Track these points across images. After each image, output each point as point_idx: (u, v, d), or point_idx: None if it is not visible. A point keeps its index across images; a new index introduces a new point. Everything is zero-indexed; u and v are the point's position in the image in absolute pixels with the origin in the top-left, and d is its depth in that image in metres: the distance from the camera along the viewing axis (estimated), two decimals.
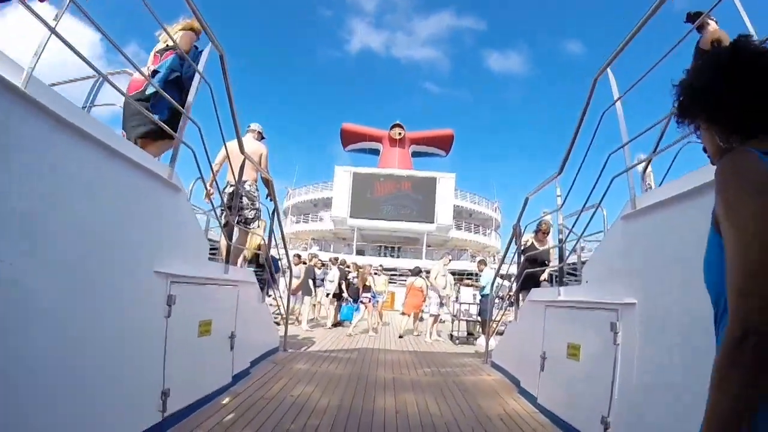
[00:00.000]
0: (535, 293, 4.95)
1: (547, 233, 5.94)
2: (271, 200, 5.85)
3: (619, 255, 3.22)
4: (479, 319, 9.08)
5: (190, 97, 3.50)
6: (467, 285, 9.50)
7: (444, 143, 42.81)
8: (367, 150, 42.77)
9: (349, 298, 11.45)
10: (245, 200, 5.37)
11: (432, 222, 32.12)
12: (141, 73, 3.07)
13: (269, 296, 7.61)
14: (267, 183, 5.78)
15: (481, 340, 8.72)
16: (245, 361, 4.88)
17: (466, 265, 28.86)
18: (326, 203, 34.99)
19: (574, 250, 4.95)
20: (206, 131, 3.68)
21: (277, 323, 6.93)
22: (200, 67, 3.58)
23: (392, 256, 33.52)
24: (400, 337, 9.40)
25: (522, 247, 5.87)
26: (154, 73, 3.86)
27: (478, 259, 9.72)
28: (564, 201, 4.47)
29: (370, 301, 10.10)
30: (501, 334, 6.89)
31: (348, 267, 12.10)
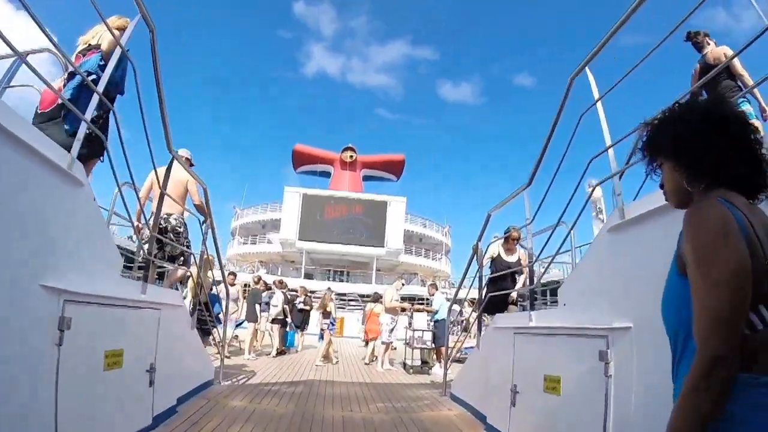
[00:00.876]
0: (501, 319, 4.51)
1: (518, 240, 5.45)
2: (207, 227, 5.40)
3: (606, 272, 2.84)
4: (433, 346, 8.59)
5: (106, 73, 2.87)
6: (420, 310, 9.00)
7: (395, 168, 42.84)
8: (318, 172, 42.16)
9: (293, 324, 10.72)
10: (170, 235, 4.93)
11: (382, 246, 31.71)
12: (48, 85, 2.49)
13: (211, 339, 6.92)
14: (200, 210, 5.32)
15: (437, 369, 8.22)
16: (170, 397, 4.12)
17: (416, 289, 28.57)
18: (275, 225, 33.87)
19: (546, 271, 4.52)
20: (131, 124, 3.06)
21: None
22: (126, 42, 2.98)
23: (341, 281, 32.81)
24: (367, 364, 9.00)
25: (488, 262, 5.43)
26: (72, 76, 3.24)
27: (428, 283, 9.29)
28: (534, 215, 4.06)
29: (328, 329, 9.55)
30: (458, 362, 6.42)
31: (293, 290, 11.37)
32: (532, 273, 4.23)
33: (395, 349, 9.67)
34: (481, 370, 4.75)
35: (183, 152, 5.33)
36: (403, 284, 9.05)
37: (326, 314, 9.70)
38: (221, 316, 6.37)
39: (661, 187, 1.22)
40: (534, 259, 4.11)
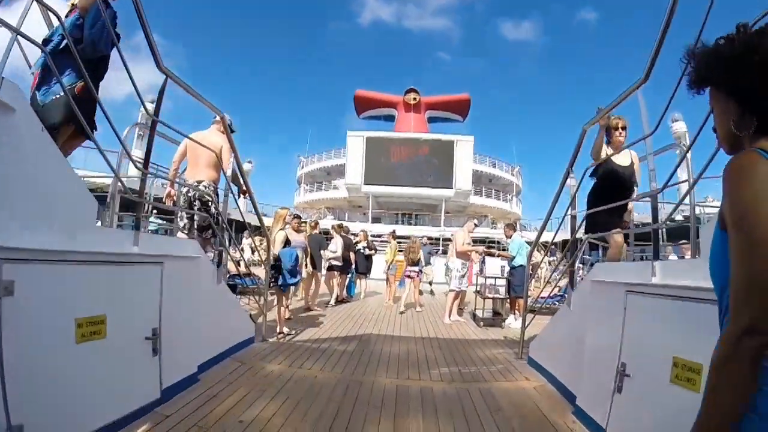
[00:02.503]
0: (604, 269, 3.35)
1: (625, 129, 3.88)
2: (244, 196, 5.26)
3: None
4: (508, 296, 7.56)
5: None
6: (492, 254, 7.88)
7: (460, 108, 40.58)
8: (382, 117, 40.97)
9: (356, 271, 10.09)
10: (198, 203, 4.61)
11: (451, 187, 30.39)
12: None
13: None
14: (235, 179, 4.93)
15: (511, 321, 7.24)
16: (188, 365, 3.51)
17: (487, 231, 27.35)
18: (340, 171, 33.53)
19: (683, 203, 3.01)
20: None
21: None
22: None
23: (410, 224, 32.05)
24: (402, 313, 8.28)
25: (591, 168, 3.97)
26: (46, 42, 2.82)
27: (504, 223, 8.08)
28: (658, 124, 2.77)
29: (417, 276, 9.33)
30: (532, 311, 5.37)
31: (355, 235, 10.66)
32: (655, 208, 2.99)
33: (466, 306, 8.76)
34: (570, 334, 3.70)
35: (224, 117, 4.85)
36: (475, 225, 7.93)
37: (414, 262, 9.27)
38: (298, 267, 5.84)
39: (714, 131, 1.10)
40: (660, 187, 2.86)
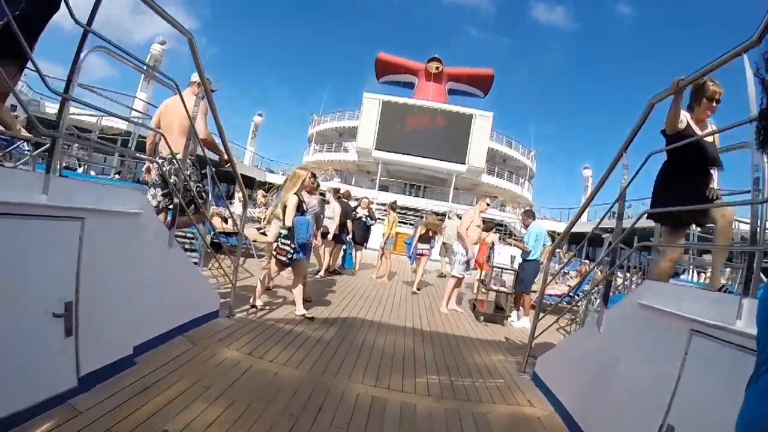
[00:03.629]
0: (659, 291, 2.54)
1: (719, 104, 2.94)
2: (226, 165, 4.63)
3: None
4: (512, 291, 6.82)
5: None
6: (507, 242, 7.08)
7: (483, 83, 38.85)
8: (402, 83, 39.51)
9: (354, 240, 9.37)
10: (174, 179, 4.00)
11: (464, 163, 29.25)
12: None
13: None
14: (208, 147, 4.36)
15: (515, 319, 6.55)
16: (120, 347, 2.81)
17: (495, 213, 26.50)
18: (352, 133, 32.38)
19: None
20: None
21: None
22: None
23: (417, 195, 31.19)
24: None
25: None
26: None
27: (522, 209, 7.21)
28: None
29: (427, 254, 8.95)
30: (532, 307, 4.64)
31: (356, 201, 9.90)
32: (756, 220, 2.16)
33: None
34: (594, 361, 2.95)
35: (195, 77, 4.38)
36: (488, 205, 7.08)
37: (426, 238, 8.88)
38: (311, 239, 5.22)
39: None
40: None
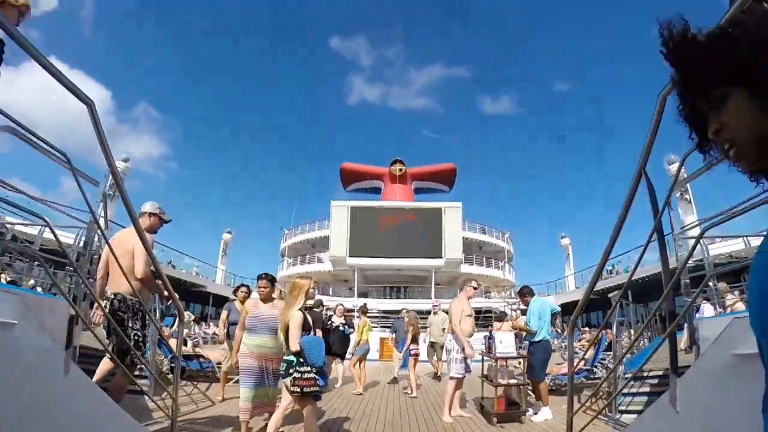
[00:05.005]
0: None
1: None
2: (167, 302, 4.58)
3: None
4: (524, 381, 5.80)
5: None
6: (502, 327, 6.19)
7: (447, 178, 40.32)
8: (369, 189, 40.59)
9: (333, 353, 8.23)
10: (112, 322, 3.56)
11: (440, 256, 28.90)
12: None
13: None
14: (147, 286, 3.90)
15: (540, 411, 5.47)
16: None
17: (480, 302, 25.52)
18: (324, 243, 31.97)
19: None
20: None
21: None
22: None
23: (398, 297, 30.15)
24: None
25: None
26: None
27: (517, 287, 6.38)
28: None
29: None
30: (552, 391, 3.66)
31: (329, 310, 8.95)
32: None
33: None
34: None
35: (148, 206, 4.10)
36: (475, 288, 6.23)
37: (415, 339, 8.69)
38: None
39: (716, 134, 0.69)
40: None
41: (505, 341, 5.51)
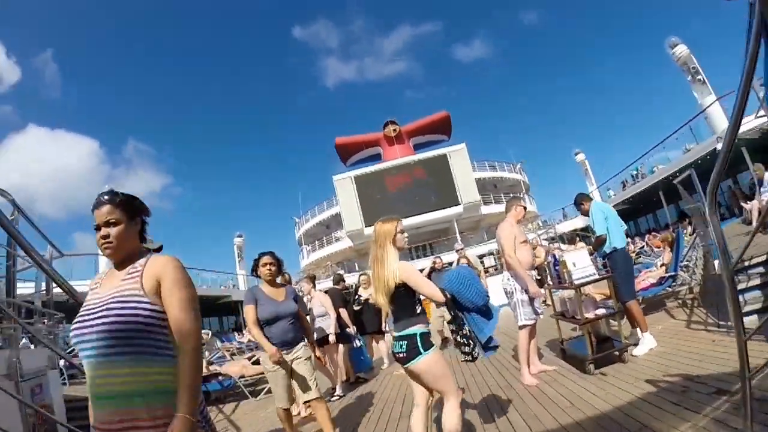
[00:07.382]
0: None
1: None
2: None
3: None
4: (610, 309, 4.44)
5: None
6: (570, 247, 4.85)
7: (443, 127, 38.25)
8: (369, 158, 38.67)
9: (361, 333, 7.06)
10: None
11: (458, 203, 27.58)
12: None
13: None
14: None
15: (641, 347, 4.20)
16: None
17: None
18: (338, 221, 30.88)
19: None
20: None
21: None
22: None
23: (426, 256, 29.00)
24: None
25: None
26: None
27: (576, 194, 4.86)
28: None
29: None
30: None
31: (347, 288, 7.71)
32: None
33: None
34: None
35: None
36: (524, 208, 4.68)
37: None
38: None
39: None
40: None
41: (580, 261, 4.12)
